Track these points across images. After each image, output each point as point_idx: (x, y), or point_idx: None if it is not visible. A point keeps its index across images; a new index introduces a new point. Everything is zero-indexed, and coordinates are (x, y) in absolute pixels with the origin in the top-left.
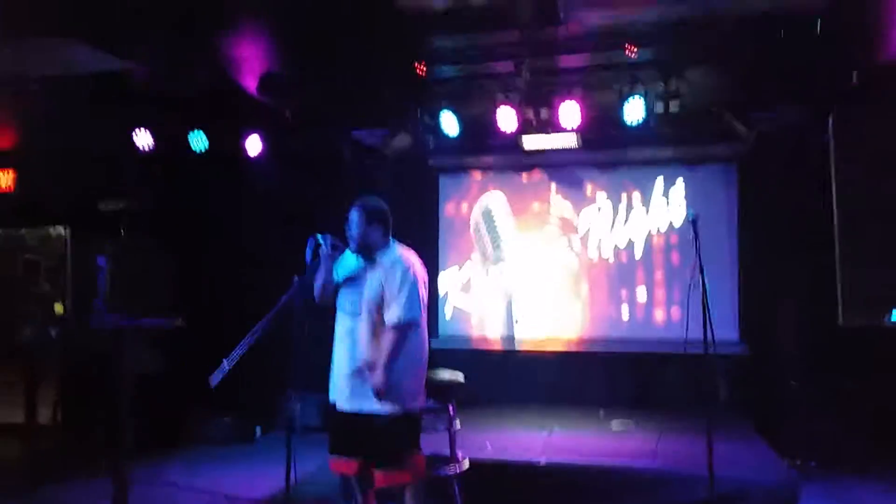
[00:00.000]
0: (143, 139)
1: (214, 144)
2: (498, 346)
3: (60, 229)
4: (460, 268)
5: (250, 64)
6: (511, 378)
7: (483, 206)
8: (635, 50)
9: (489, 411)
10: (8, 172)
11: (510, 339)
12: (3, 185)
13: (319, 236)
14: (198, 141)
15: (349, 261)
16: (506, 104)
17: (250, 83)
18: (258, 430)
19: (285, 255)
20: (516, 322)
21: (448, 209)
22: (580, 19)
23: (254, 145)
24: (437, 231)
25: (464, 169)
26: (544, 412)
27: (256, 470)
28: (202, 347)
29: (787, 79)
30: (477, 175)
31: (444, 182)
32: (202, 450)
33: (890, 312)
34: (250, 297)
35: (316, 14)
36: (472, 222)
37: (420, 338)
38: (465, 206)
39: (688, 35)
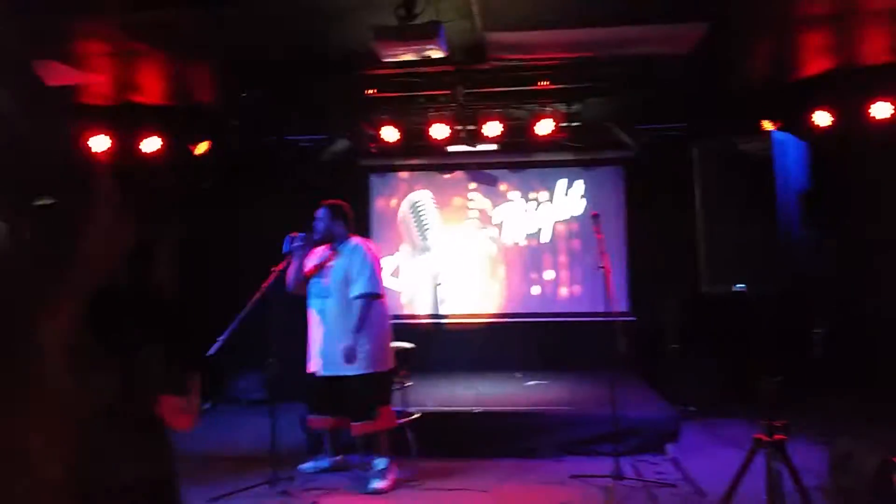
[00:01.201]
0: (99, 143)
1: (168, 148)
2: (426, 322)
3: None
4: (391, 256)
5: (208, 84)
6: (439, 348)
7: (410, 202)
8: (546, 83)
9: (424, 375)
10: None
11: (437, 315)
12: None
13: (295, 234)
14: (150, 144)
15: (315, 255)
16: (439, 121)
17: (204, 97)
18: (206, 405)
19: (234, 245)
20: (442, 301)
21: (379, 205)
22: (503, 59)
23: (200, 148)
24: (369, 225)
25: (392, 169)
26: (470, 376)
27: (216, 437)
28: None
29: (662, 102)
30: (404, 174)
31: (375, 181)
32: None
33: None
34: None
35: (276, 48)
36: (400, 216)
37: (383, 309)
38: (394, 201)
39: (586, 72)
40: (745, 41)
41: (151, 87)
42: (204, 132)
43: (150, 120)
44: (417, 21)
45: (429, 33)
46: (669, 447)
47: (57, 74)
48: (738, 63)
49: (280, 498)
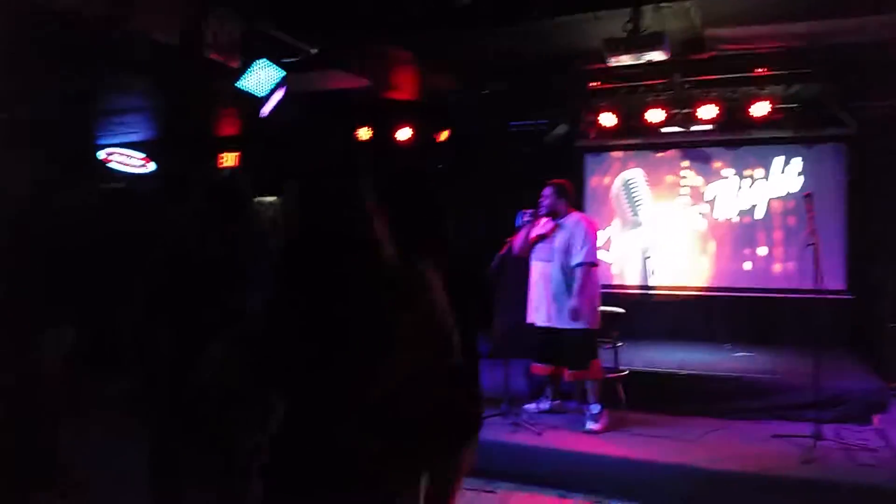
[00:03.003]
0: (362, 133)
1: (416, 136)
2: (635, 291)
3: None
4: (603, 230)
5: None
6: (647, 317)
7: (623, 179)
8: (763, 69)
9: (632, 340)
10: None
11: (646, 286)
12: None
13: (525, 210)
14: (403, 134)
15: (540, 226)
16: (656, 106)
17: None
18: None
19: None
20: (652, 273)
21: (593, 182)
22: (721, 49)
23: (443, 136)
24: (583, 201)
25: (606, 149)
26: (677, 344)
27: None
28: None
29: (881, 80)
30: (618, 154)
31: (589, 160)
32: None
33: None
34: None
35: (520, 51)
36: (613, 193)
37: (596, 276)
38: (607, 179)
39: (804, 58)
40: None
41: (406, 86)
42: (446, 122)
43: (403, 113)
44: (643, 31)
45: (654, 43)
46: (876, 418)
47: (338, 79)
48: None
49: (511, 427)
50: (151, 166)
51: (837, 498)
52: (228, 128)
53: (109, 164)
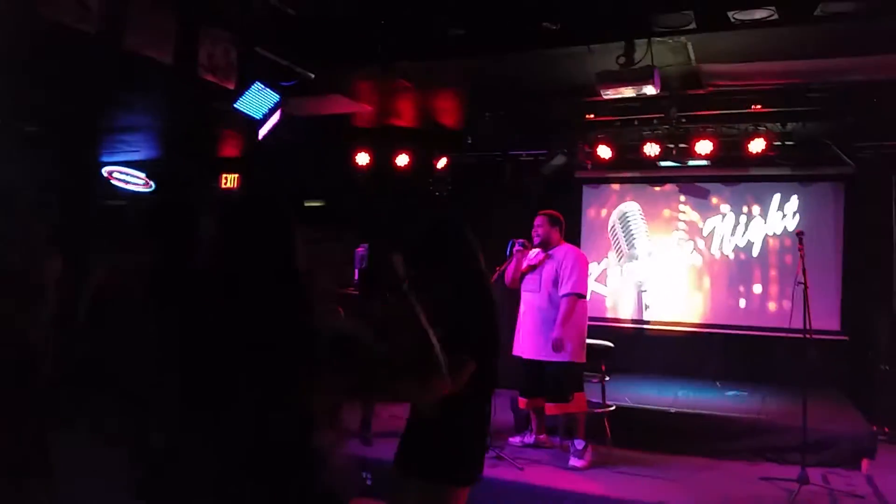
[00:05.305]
0: (361, 158)
1: (415, 162)
2: (629, 325)
3: None
4: (598, 263)
5: (450, 110)
6: (640, 351)
7: (620, 212)
8: (759, 107)
9: (624, 374)
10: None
11: (640, 320)
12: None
13: (517, 240)
14: (401, 160)
15: (531, 256)
16: (652, 140)
17: (446, 121)
18: None
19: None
20: (646, 308)
21: (589, 214)
22: (717, 85)
23: (440, 163)
24: (580, 232)
25: (605, 181)
26: (669, 379)
27: None
28: None
29: (881, 121)
30: (615, 186)
31: (587, 192)
32: None
33: None
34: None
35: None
36: (609, 225)
37: (584, 308)
38: (604, 211)
39: (800, 96)
40: None
41: (405, 114)
42: (444, 149)
43: (402, 140)
44: (636, 65)
45: (645, 77)
46: (865, 463)
47: (337, 105)
48: None
49: (493, 461)
50: (152, 185)
51: None
52: (230, 149)
53: (113, 182)
